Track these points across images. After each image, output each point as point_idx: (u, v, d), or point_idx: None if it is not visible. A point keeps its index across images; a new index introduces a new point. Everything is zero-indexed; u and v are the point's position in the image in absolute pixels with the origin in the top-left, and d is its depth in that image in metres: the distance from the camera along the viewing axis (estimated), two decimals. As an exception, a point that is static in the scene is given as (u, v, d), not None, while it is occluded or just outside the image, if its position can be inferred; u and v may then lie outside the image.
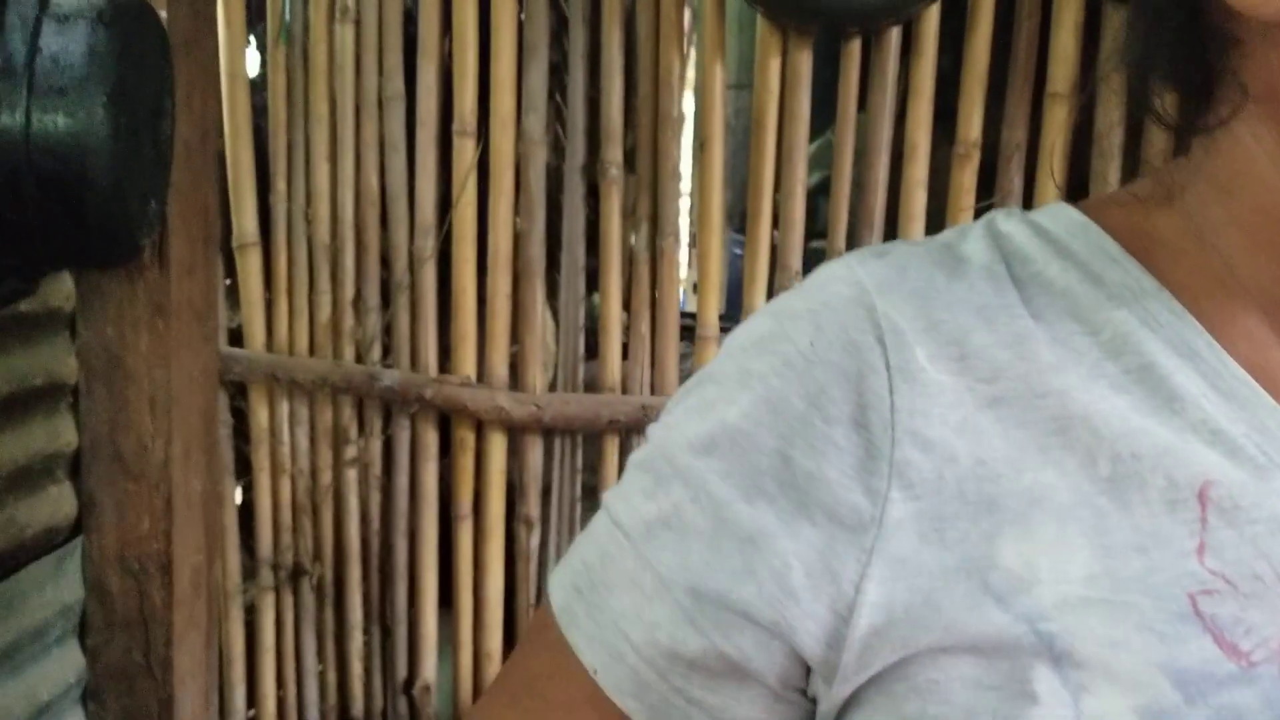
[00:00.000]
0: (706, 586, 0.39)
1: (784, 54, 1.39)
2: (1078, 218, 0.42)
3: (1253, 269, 0.39)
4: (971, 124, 1.36)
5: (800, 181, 1.42)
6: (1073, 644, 0.35)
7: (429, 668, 1.60)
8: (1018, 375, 0.38)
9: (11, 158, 1.13)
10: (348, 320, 1.56)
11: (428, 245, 1.51)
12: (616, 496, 0.43)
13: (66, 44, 1.16)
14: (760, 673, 0.39)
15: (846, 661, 0.37)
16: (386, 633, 1.63)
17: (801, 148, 1.41)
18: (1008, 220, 0.42)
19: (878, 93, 1.38)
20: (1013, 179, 1.36)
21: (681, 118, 1.43)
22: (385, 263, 1.55)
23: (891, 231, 1.41)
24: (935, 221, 1.40)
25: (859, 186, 1.42)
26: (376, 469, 1.58)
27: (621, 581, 0.41)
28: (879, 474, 0.37)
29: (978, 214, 1.32)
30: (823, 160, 1.52)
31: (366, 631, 1.64)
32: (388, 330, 1.56)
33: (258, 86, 1.59)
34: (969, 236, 0.42)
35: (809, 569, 0.37)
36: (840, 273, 0.41)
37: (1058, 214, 0.42)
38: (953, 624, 0.36)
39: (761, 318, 0.42)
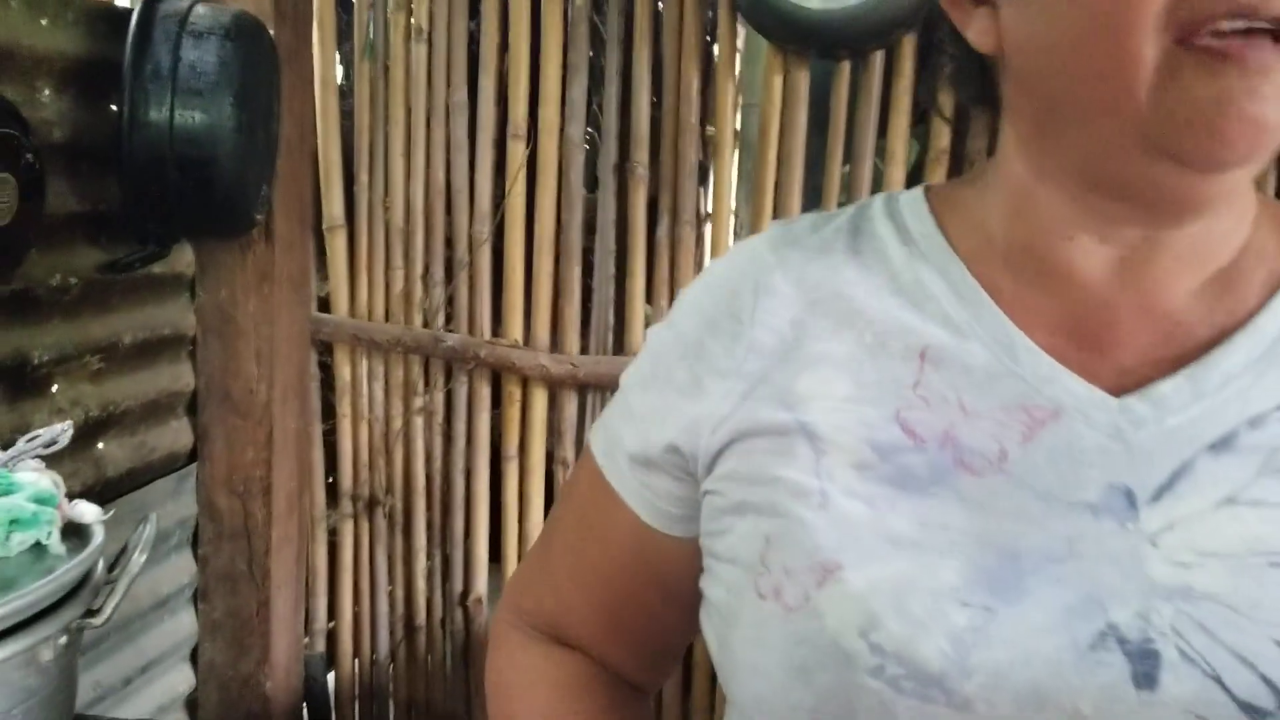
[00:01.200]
0: (652, 415, 0.66)
1: (785, 73, 1.64)
2: (918, 194, 0.67)
3: (1000, 225, 0.62)
4: (942, 134, 1.61)
5: (797, 182, 1.67)
6: (818, 429, 0.60)
7: (480, 583, 1.88)
8: (831, 289, 0.63)
9: (158, 145, 1.43)
10: (417, 292, 1.84)
11: (484, 230, 1.78)
12: (624, 374, 0.71)
13: (202, 55, 1.45)
14: (680, 461, 0.66)
15: (716, 440, 0.63)
16: (446, 556, 1.91)
17: (799, 153, 1.66)
18: (882, 199, 0.68)
19: (864, 107, 1.63)
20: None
21: (698, 127, 1.69)
22: (449, 244, 1.82)
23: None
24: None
25: (847, 187, 1.67)
26: (439, 417, 1.86)
27: (618, 418, 0.69)
28: (742, 343, 0.64)
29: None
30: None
31: (429, 554, 1.92)
32: (450, 301, 1.83)
33: (345, 94, 1.88)
34: (851, 208, 0.69)
35: (708, 402, 0.64)
36: (753, 238, 0.69)
37: (913, 192, 0.68)
38: (761, 420, 0.61)
39: (711, 265, 0.71)
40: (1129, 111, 0.51)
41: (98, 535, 1.01)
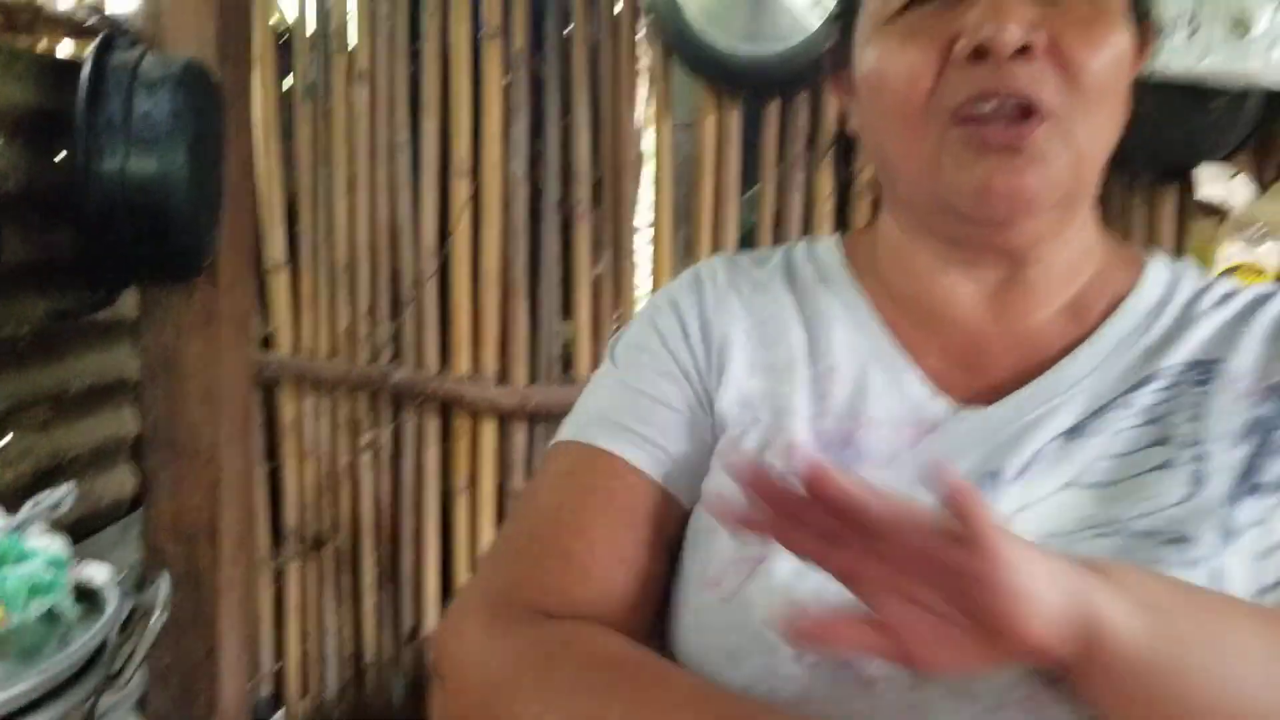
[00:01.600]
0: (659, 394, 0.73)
1: (719, 112, 1.72)
2: (833, 240, 0.78)
3: (888, 271, 0.74)
4: (867, 170, 1.71)
5: (732, 217, 1.75)
6: (758, 426, 0.68)
7: (431, 619, 1.90)
8: (772, 313, 0.73)
9: (113, 195, 1.43)
10: (363, 328, 1.86)
11: (430, 266, 1.82)
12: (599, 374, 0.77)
13: (154, 105, 1.45)
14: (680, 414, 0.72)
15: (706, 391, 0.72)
16: (395, 592, 1.92)
17: (734, 187, 1.74)
18: (805, 242, 0.79)
19: (792, 144, 1.72)
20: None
21: (640, 160, 1.76)
22: (394, 280, 1.85)
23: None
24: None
25: (779, 221, 1.76)
26: (386, 453, 1.88)
27: (603, 390, 0.74)
28: (710, 332, 0.73)
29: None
30: (753, 207, 1.83)
31: (378, 592, 1.93)
32: (397, 336, 1.86)
33: (286, 135, 1.89)
34: (781, 249, 0.79)
35: (681, 388, 0.72)
36: (709, 262, 0.78)
37: (830, 238, 0.79)
38: (727, 414, 0.69)
39: (682, 276, 0.78)
40: (927, 179, 0.65)
41: (111, 599, 1.00)
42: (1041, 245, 0.68)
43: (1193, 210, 1.53)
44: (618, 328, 1.77)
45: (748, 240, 1.77)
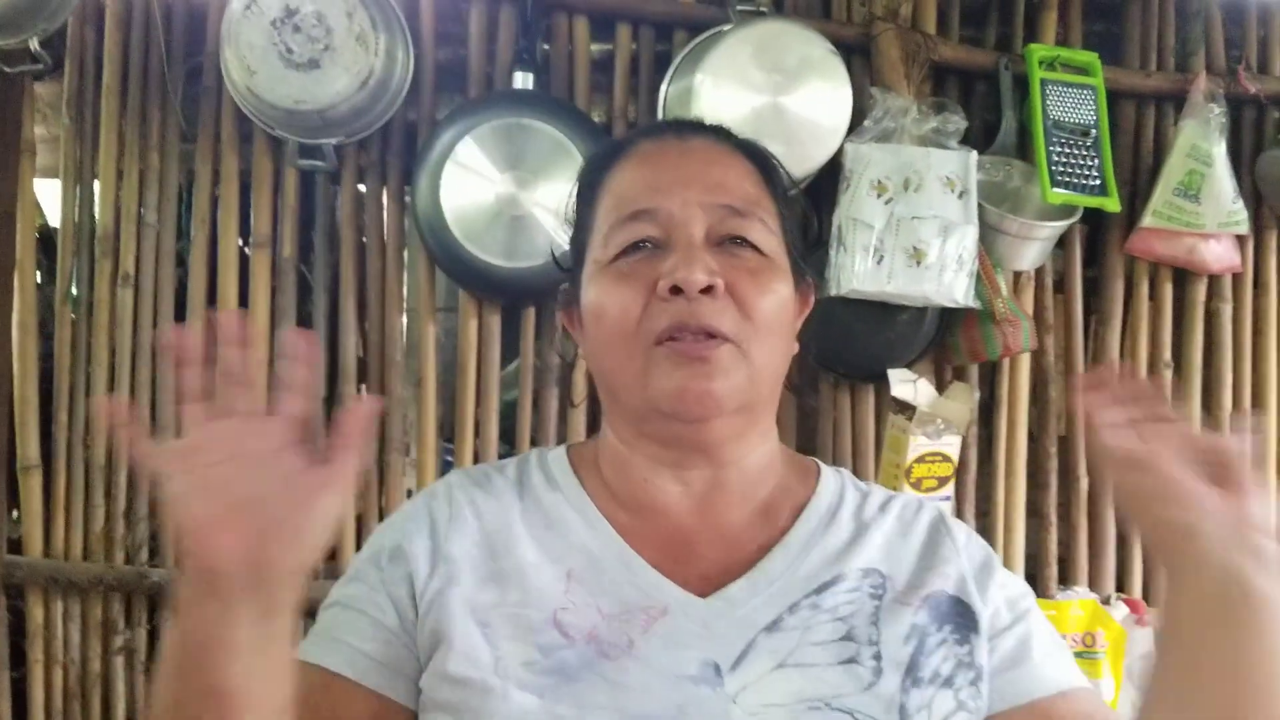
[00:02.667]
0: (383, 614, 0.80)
1: (480, 317, 1.86)
2: (562, 450, 0.91)
3: (610, 475, 0.87)
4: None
5: (494, 410, 1.87)
6: (495, 635, 0.77)
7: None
8: (504, 522, 0.84)
9: None
10: (119, 529, 1.84)
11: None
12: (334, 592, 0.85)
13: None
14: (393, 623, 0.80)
15: (425, 640, 0.78)
16: (146, 801, 1.85)
17: (494, 382, 1.87)
18: (536, 454, 0.91)
19: (549, 347, 1.87)
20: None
21: (404, 362, 1.87)
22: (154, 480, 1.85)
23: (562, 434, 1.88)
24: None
25: (537, 407, 1.89)
26: (142, 655, 1.84)
27: (331, 610, 0.81)
28: (439, 553, 0.81)
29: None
30: (513, 381, 1.97)
31: (128, 802, 1.85)
32: (154, 536, 1.84)
33: (46, 336, 1.89)
34: (514, 460, 0.91)
35: (395, 606, 0.80)
36: (447, 478, 0.89)
37: (559, 449, 0.92)
38: (454, 625, 0.77)
39: (414, 497, 0.88)
40: (637, 391, 0.81)
41: None
42: (731, 445, 0.84)
43: (889, 406, 1.77)
44: (380, 516, 1.84)
45: (510, 414, 1.88)
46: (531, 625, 0.77)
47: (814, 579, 0.82)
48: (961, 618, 0.82)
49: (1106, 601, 1.79)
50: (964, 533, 0.89)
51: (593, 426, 1.88)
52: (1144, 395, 0.77)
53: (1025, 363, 1.86)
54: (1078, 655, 1.72)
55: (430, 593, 0.80)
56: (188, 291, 1.86)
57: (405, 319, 1.96)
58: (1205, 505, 0.70)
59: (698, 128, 0.91)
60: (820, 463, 0.94)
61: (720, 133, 0.91)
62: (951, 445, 1.72)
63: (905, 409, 1.72)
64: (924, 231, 1.69)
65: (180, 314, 1.86)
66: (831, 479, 0.91)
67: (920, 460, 1.70)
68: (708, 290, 0.79)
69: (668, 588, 0.80)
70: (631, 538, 0.83)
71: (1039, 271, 1.87)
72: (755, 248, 0.83)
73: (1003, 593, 0.85)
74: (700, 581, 0.81)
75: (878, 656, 0.78)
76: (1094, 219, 1.88)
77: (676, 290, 0.79)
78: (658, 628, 0.78)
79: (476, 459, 1.87)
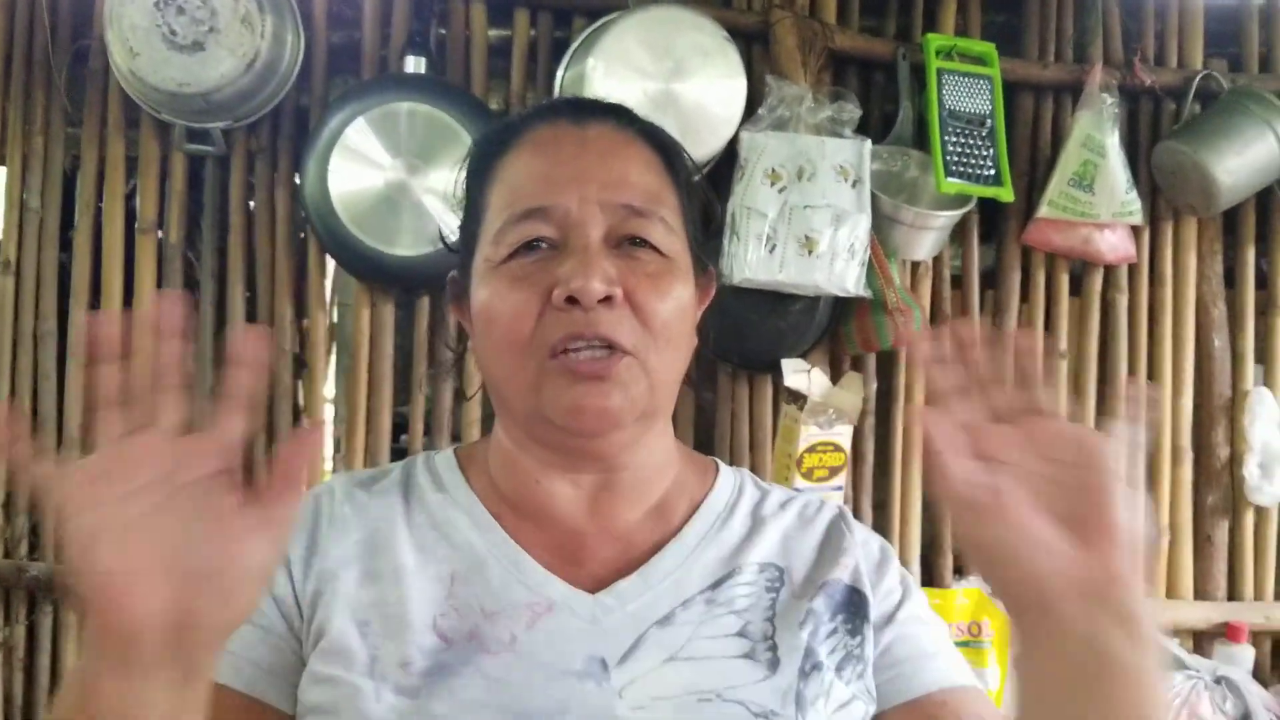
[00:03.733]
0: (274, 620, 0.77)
1: (372, 306, 1.83)
2: (450, 453, 0.88)
3: (499, 476, 0.85)
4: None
5: (387, 404, 1.84)
6: (373, 636, 0.74)
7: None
8: (388, 524, 0.81)
9: None
10: (-2, 522, 1.79)
11: (73, 455, 1.79)
12: None
13: None
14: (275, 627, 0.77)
15: (309, 641, 0.76)
16: (25, 802, 1.80)
17: (387, 375, 1.84)
18: (422, 457, 0.88)
19: (442, 332, 1.85)
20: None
21: (293, 353, 1.83)
22: (54, 513, 1.80)
23: (455, 429, 1.86)
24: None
25: (434, 399, 1.86)
26: (20, 652, 1.79)
27: (239, 642, 0.76)
28: (315, 550, 0.79)
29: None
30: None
31: (5, 803, 1.80)
32: (35, 529, 1.80)
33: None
34: (400, 464, 0.88)
35: (295, 608, 0.77)
36: (329, 480, 0.85)
37: (446, 451, 0.88)
38: (331, 625, 0.75)
39: None
40: (530, 399, 0.77)
41: None
42: (626, 453, 0.81)
43: (783, 397, 1.76)
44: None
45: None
46: (411, 625, 0.75)
47: (709, 575, 0.80)
48: (855, 608, 0.81)
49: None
50: (862, 530, 0.88)
51: (487, 421, 1.85)
52: (1003, 370, 0.67)
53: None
54: (963, 645, 1.71)
55: (309, 594, 0.77)
56: (71, 279, 1.81)
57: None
58: (1060, 564, 0.61)
59: (597, 109, 0.85)
60: (720, 462, 0.92)
61: (621, 115, 0.85)
62: (843, 435, 1.71)
63: (798, 399, 1.71)
64: (816, 220, 1.68)
65: (63, 302, 1.81)
66: (729, 476, 0.90)
67: (811, 450, 1.68)
68: (605, 300, 0.75)
69: (555, 584, 0.78)
70: (521, 538, 0.81)
71: (937, 262, 1.87)
72: (656, 249, 0.79)
73: (892, 588, 0.85)
74: (591, 580, 0.79)
75: (773, 649, 0.77)
76: (992, 210, 1.88)
77: (572, 300, 0.75)
78: (543, 624, 0.76)
79: (367, 453, 1.83)
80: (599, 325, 0.74)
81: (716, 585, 0.79)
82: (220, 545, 0.56)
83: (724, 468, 0.91)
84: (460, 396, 1.79)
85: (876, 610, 0.82)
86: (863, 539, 0.87)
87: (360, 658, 0.74)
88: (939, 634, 0.85)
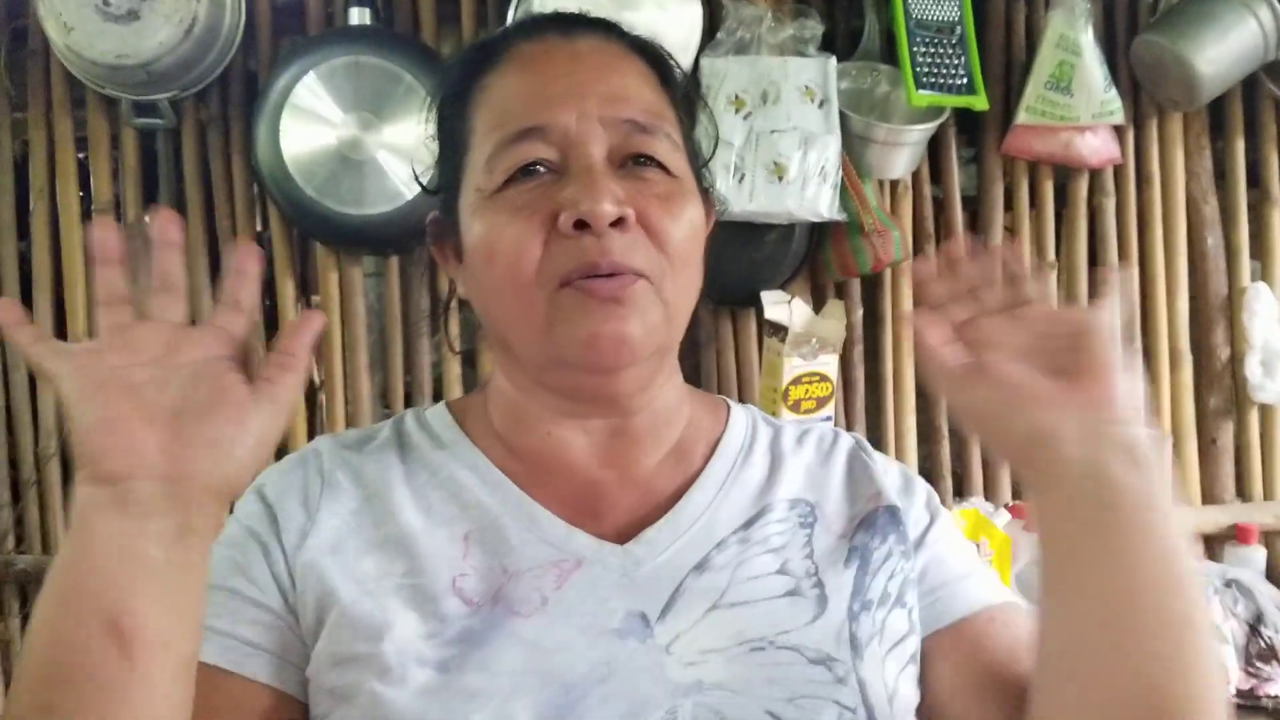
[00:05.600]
0: (261, 597, 0.70)
1: (339, 270, 1.79)
2: (442, 407, 0.82)
3: (504, 428, 0.78)
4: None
5: (363, 366, 1.80)
6: (387, 606, 0.67)
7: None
8: (384, 486, 0.75)
9: None
10: (-19, 517, 1.77)
11: (51, 445, 1.77)
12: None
13: None
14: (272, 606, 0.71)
15: (310, 619, 0.69)
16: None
17: (361, 340, 1.80)
18: (412, 414, 0.82)
19: (415, 294, 1.81)
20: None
21: (261, 323, 1.79)
22: (13, 464, 1.78)
23: (439, 396, 1.83)
24: (471, 385, 1.83)
25: (411, 363, 1.83)
26: (16, 644, 1.78)
27: (224, 619, 0.69)
28: (311, 520, 0.72)
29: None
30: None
31: (17, 795, 1.80)
32: (20, 521, 1.78)
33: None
34: (388, 423, 0.81)
35: (292, 584, 0.70)
36: (315, 442, 0.79)
37: (437, 406, 0.82)
38: (339, 600, 0.68)
39: (270, 465, 0.79)
40: (540, 338, 0.71)
41: None
42: (641, 394, 0.75)
43: (765, 329, 1.72)
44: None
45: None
46: (427, 595, 0.68)
47: (739, 514, 0.76)
48: (899, 530, 0.77)
49: (1002, 512, 1.75)
50: (882, 458, 0.84)
51: (468, 379, 1.82)
52: (992, 276, 0.68)
53: (907, 274, 1.80)
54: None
55: (303, 566, 0.70)
56: (32, 265, 1.77)
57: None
58: (1056, 403, 0.63)
59: (584, 22, 0.77)
60: (729, 400, 0.86)
61: (610, 29, 0.78)
62: (829, 365, 1.67)
63: (780, 331, 1.66)
64: (783, 145, 1.63)
65: (25, 289, 1.77)
66: (741, 414, 0.84)
67: (796, 382, 1.64)
68: (617, 223, 0.68)
69: (580, 538, 0.72)
70: (535, 493, 0.75)
71: (916, 179, 1.81)
72: (663, 167, 0.73)
73: (920, 514, 0.80)
74: (615, 532, 0.74)
75: (819, 585, 0.72)
76: (971, 121, 1.82)
77: (581, 225, 0.68)
78: (573, 582, 0.70)
79: (348, 420, 1.80)
80: (612, 251, 0.68)
81: (748, 525, 0.75)
82: (217, 410, 0.59)
83: (734, 405, 0.85)
84: (449, 353, 1.74)
85: (911, 533, 0.78)
86: (884, 466, 0.83)
87: (377, 633, 0.67)
88: (969, 553, 0.81)
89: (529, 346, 0.73)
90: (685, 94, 0.80)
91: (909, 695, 0.73)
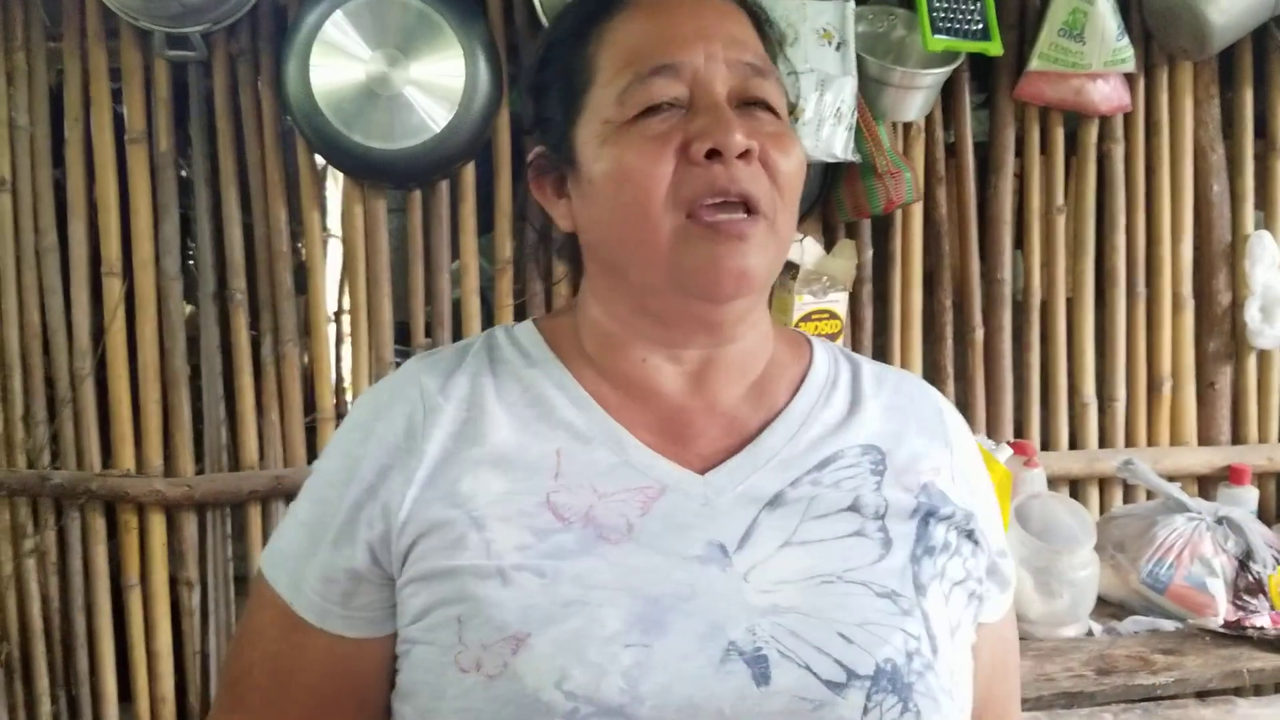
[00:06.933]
0: (341, 538, 0.75)
1: (364, 202, 1.84)
2: (530, 325, 0.85)
3: (595, 352, 0.80)
4: (505, 247, 1.87)
5: (386, 296, 1.86)
6: (484, 521, 0.72)
7: (111, 719, 1.87)
8: (480, 404, 0.78)
9: None
10: (18, 433, 1.84)
11: (85, 365, 1.83)
12: (293, 506, 0.80)
13: None
14: (363, 572, 0.75)
15: (403, 543, 0.73)
16: (72, 697, 1.88)
17: (384, 273, 1.86)
18: (502, 330, 0.86)
19: (436, 227, 1.86)
20: (536, 287, 1.88)
21: (290, 253, 1.85)
22: (49, 383, 1.85)
23: (457, 328, 1.88)
24: (489, 318, 1.89)
25: (432, 295, 1.88)
26: (52, 556, 1.86)
27: (300, 552, 0.76)
28: (415, 455, 0.75)
29: (516, 310, 1.82)
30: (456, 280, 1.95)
31: (53, 698, 1.88)
32: (55, 438, 1.84)
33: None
34: (479, 338, 0.85)
35: (391, 512, 0.74)
36: (409, 365, 0.83)
37: (525, 324, 0.86)
38: (435, 519, 0.72)
39: (367, 392, 0.83)
40: (658, 264, 0.75)
41: None
42: (741, 325, 0.79)
43: (778, 267, 1.76)
44: (280, 405, 1.84)
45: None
46: (522, 509, 0.73)
47: (814, 454, 0.80)
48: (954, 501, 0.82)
49: (1006, 449, 1.81)
50: (956, 417, 0.88)
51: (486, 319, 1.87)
52: None
53: (917, 216, 1.84)
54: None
55: (408, 502, 0.74)
56: (67, 193, 1.83)
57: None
58: None
59: None
60: (810, 336, 0.90)
61: None
62: (838, 302, 1.71)
63: (790, 269, 1.71)
64: (800, 86, 1.65)
65: (61, 216, 1.83)
66: (823, 351, 0.87)
67: (806, 319, 1.69)
68: (744, 155, 0.73)
69: (664, 466, 0.76)
70: (622, 416, 0.79)
71: (929, 123, 1.85)
72: (773, 110, 0.77)
73: (980, 489, 0.85)
74: (698, 460, 0.78)
75: (884, 529, 0.77)
76: (983, 67, 1.85)
77: (712, 154, 0.72)
78: (657, 508, 0.74)
79: (371, 351, 1.86)
80: (741, 179, 0.73)
81: (822, 466, 0.79)
82: None
83: (816, 342, 0.88)
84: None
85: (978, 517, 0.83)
86: (955, 426, 0.87)
87: (475, 544, 0.72)
88: (1000, 541, 0.86)
89: (647, 270, 0.76)
90: (774, 46, 0.85)
91: (969, 631, 0.79)
